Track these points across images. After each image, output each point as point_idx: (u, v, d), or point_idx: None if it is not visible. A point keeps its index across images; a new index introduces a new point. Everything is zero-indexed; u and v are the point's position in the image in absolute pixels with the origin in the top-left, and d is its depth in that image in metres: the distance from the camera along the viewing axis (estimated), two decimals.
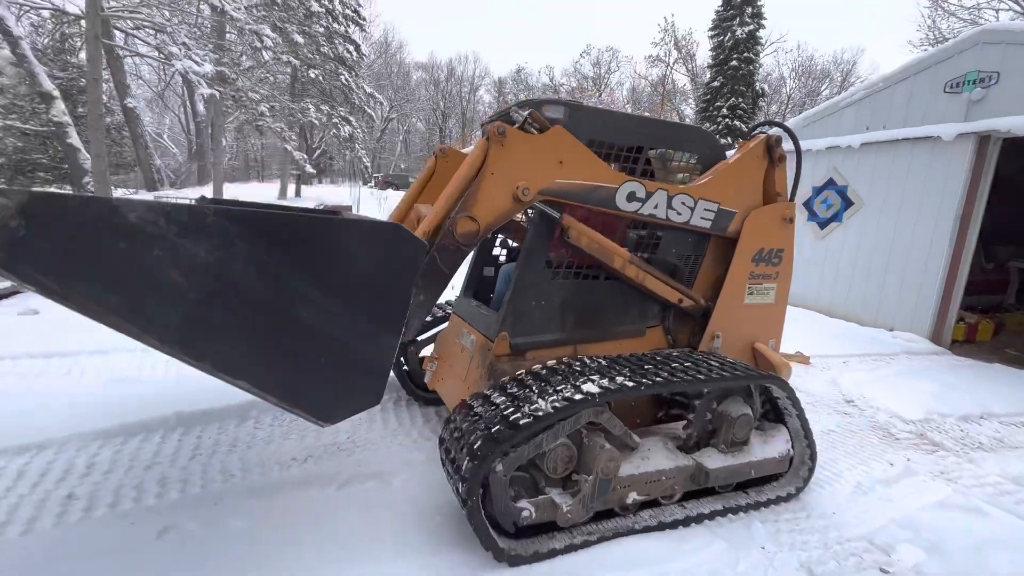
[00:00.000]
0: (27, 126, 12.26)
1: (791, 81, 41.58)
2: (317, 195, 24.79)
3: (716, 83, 23.98)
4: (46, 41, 21.61)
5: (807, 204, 8.00)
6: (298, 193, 25.80)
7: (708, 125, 24.78)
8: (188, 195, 12.30)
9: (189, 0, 14.07)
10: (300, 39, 13.47)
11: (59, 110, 17.18)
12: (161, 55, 11.56)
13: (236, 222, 1.28)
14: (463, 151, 3.25)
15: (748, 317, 3.14)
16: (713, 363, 2.57)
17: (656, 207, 2.71)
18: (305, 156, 19.87)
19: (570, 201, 2.52)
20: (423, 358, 3.56)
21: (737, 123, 23.37)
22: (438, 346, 3.40)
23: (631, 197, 2.64)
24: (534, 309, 2.65)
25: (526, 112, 2.44)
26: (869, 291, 7.09)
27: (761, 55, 25.55)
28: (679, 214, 2.79)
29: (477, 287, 3.53)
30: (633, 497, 2.34)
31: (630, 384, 2.21)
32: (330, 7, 21.43)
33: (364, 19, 23.96)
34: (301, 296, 1.39)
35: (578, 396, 2.11)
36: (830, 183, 7.68)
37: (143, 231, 1.18)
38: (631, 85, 51.97)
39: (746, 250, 3.02)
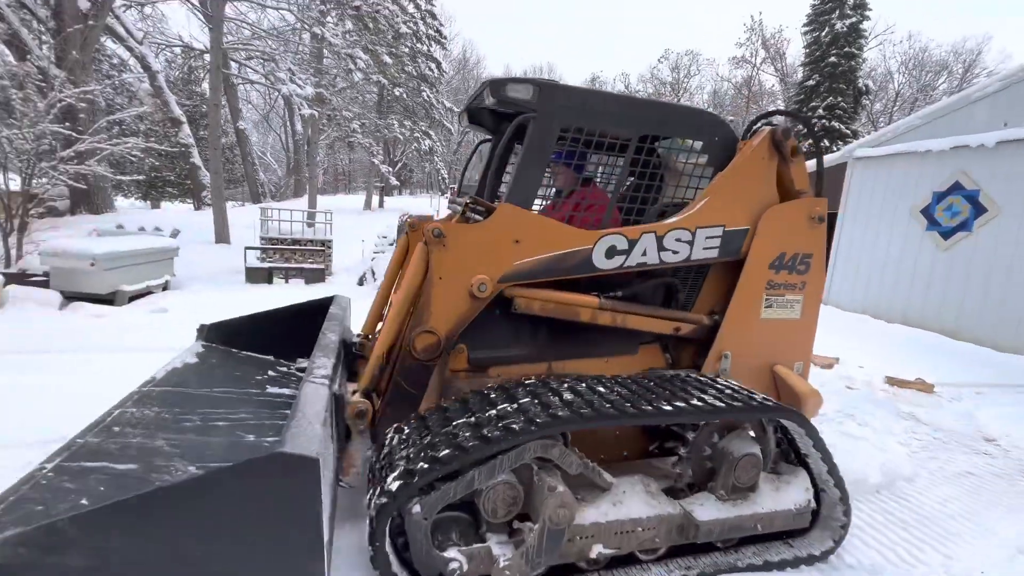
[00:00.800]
0: (161, 147, 14.09)
1: (900, 76, 37.65)
2: (400, 205, 26.12)
3: (811, 82, 22.26)
4: (176, 74, 24.81)
5: (926, 211, 7.13)
6: (381, 204, 27.33)
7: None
8: (287, 206, 13.55)
9: (293, 30, 15.57)
10: (388, 60, 14.40)
11: (185, 133, 19.59)
12: (268, 80, 12.76)
13: (85, 527, 1.09)
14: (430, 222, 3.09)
15: (766, 334, 2.67)
16: (706, 390, 2.15)
17: (645, 254, 2.39)
18: (389, 169, 20.97)
19: (538, 279, 2.30)
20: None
21: (836, 124, 21.50)
22: None
23: (611, 252, 2.35)
24: (498, 318, 2.36)
25: (463, 200, 2.28)
26: (1007, 311, 6.15)
27: (864, 49, 23.38)
28: (675, 253, 2.43)
29: None
30: (599, 551, 1.92)
31: (584, 412, 1.82)
32: (415, 28, 22.61)
33: (445, 37, 25.04)
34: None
35: (517, 425, 1.75)
36: (956, 187, 6.79)
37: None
38: (712, 88, 49.78)
39: (761, 255, 2.57)
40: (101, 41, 16.44)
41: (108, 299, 6.55)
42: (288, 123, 32.34)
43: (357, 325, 3.14)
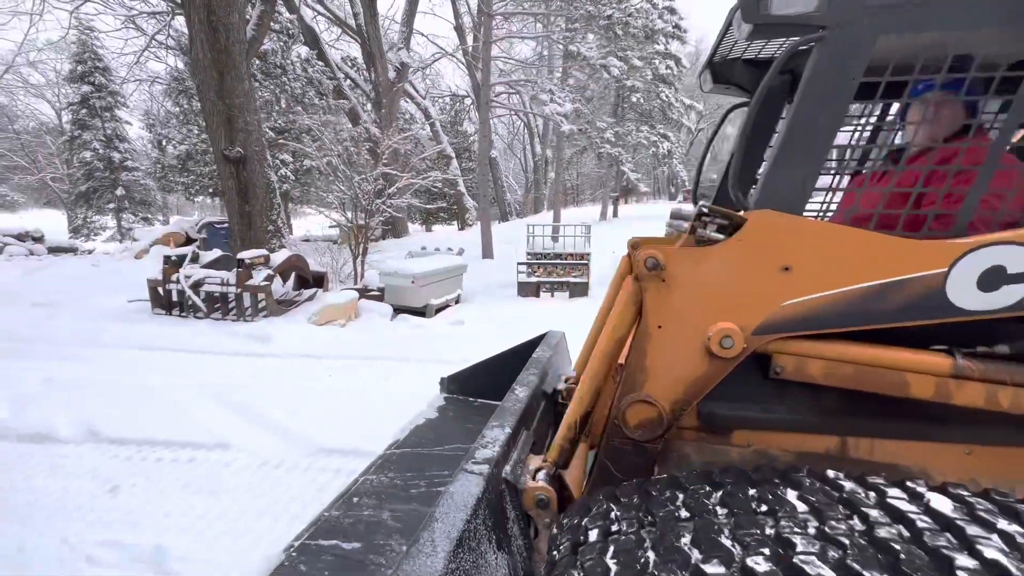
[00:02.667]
0: (447, 177, 16.83)
1: None
2: (634, 213, 25.46)
3: None
4: (445, 118, 29.79)
5: None
6: (616, 214, 27.16)
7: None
8: (530, 221, 14.60)
9: (540, 57, 16.68)
10: (639, 63, 14.03)
11: (454, 167, 23.13)
12: (528, 107, 13.68)
13: None
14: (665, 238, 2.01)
15: None
16: None
17: None
18: (638, 175, 20.49)
19: (829, 329, 1.42)
20: None
21: None
22: None
23: (995, 279, 1.33)
24: (752, 363, 1.53)
25: (691, 211, 1.48)
26: None
27: None
28: None
29: None
30: None
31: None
32: (652, 26, 21.76)
33: (685, 31, 23.42)
34: None
35: None
36: None
37: None
38: None
39: None
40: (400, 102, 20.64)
41: (421, 311, 7.62)
42: (529, 146, 35.28)
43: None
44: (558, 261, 9.76)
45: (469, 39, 21.33)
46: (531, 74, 13.57)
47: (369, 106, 19.93)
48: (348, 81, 20.32)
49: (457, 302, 8.79)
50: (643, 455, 1.64)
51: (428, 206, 14.19)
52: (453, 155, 23.57)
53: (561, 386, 2.81)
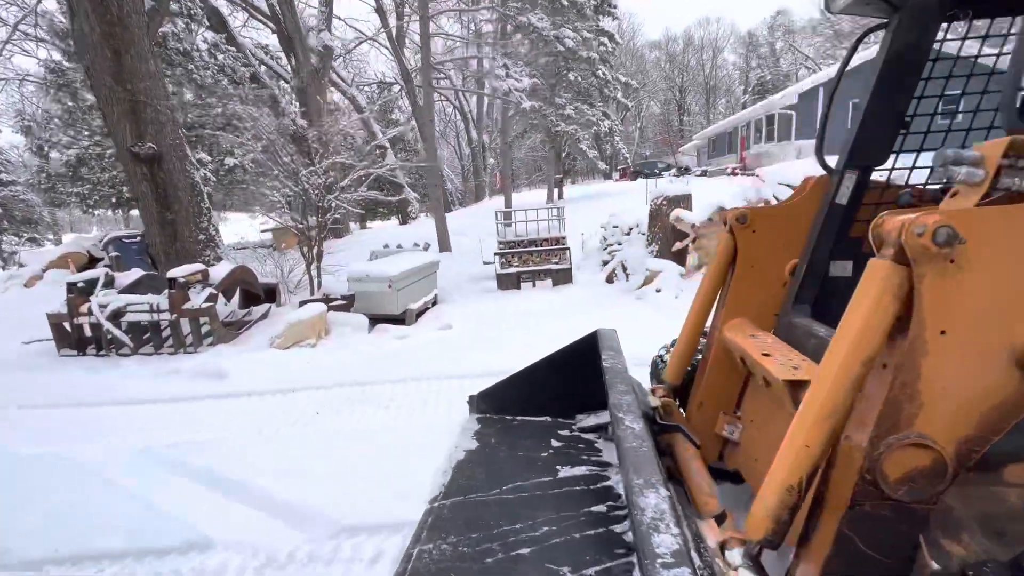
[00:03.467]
0: (393, 166, 15.50)
1: None
2: (578, 194, 25.23)
3: None
4: (376, 106, 27.98)
5: None
6: (560, 195, 26.84)
7: None
8: (485, 208, 13.77)
9: (477, 35, 15.72)
10: (589, 34, 13.49)
11: (391, 158, 21.68)
12: (479, 85, 12.73)
13: None
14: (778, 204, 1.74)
15: None
16: None
17: None
18: (597, 153, 20.08)
19: None
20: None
21: None
22: (748, 395, 2.20)
23: None
24: None
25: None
26: None
27: None
28: None
29: (819, 294, 2.10)
30: None
31: None
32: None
33: (615, 7, 23.21)
34: None
35: None
36: None
37: None
38: None
39: None
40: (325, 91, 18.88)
41: (401, 319, 6.67)
42: (466, 131, 34.12)
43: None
44: (534, 248, 9.09)
45: (392, 19, 19.87)
46: (478, 50, 12.62)
47: (292, 96, 18.08)
48: (264, 68, 18.28)
49: (434, 304, 7.89)
50: (909, 520, 1.13)
51: (387, 197, 12.81)
52: (388, 145, 22.09)
53: (655, 402, 2.24)
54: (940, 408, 1.09)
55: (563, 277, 8.72)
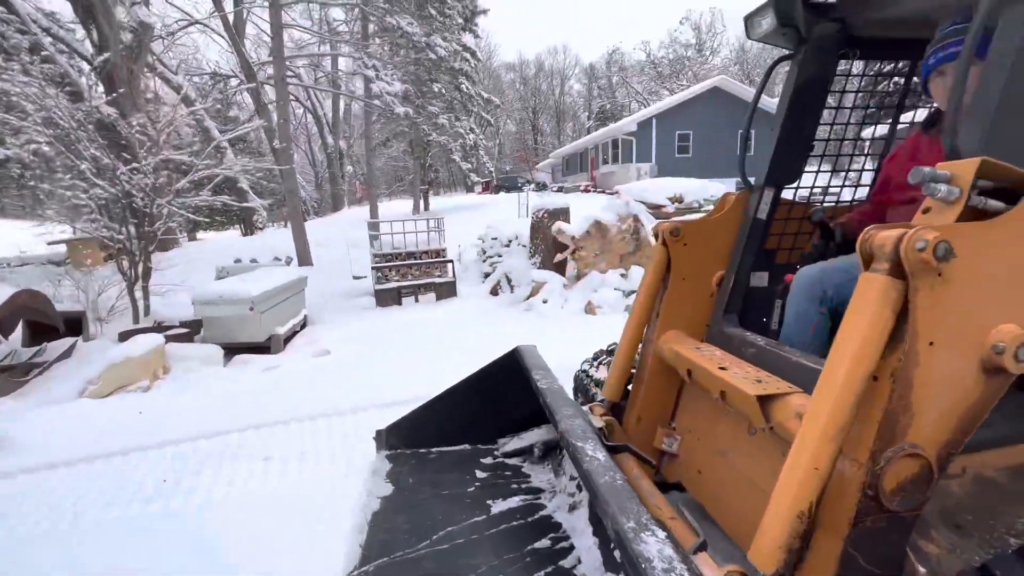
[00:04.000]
0: (221, 170, 13.37)
1: None
2: (444, 206, 25.09)
3: None
4: (210, 102, 24.30)
5: None
6: (427, 206, 26.40)
7: (878, 64, 21.02)
8: (346, 217, 12.69)
9: (342, 27, 14.52)
10: (458, 46, 13.34)
11: (230, 159, 18.98)
12: (336, 85, 11.73)
13: None
14: (704, 218, 2.07)
15: None
16: None
17: None
18: (469, 165, 19.86)
19: None
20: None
21: None
22: (684, 407, 2.22)
23: None
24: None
25: (946, 171, 1.11)
26: None
27: None
28: None
29: (743, 303, 2.22)
30: None
31: None
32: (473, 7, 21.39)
33: (476, 24, 23.72)
34: None
35: None
36: None
37: None
38: (738, 44, 47.49)
39: None
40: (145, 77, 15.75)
41: (266, 346, 5.64)
42: (320, 136, 31.63)
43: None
44: (414, 261, 8.59)
45: (228, 3, 17.54)
46: (332, 48, 11.60)
47: (94, 77, 14.64)
48: (50, 41, 14.51)
49: (304, 326, 6.89)
50: (900, 530, 1.17)
51: (235, 202, 10.69)
52: (228, 145, 19.28)
53: (598, 423, 2.16)
54: (927, 417, 1.13)
55: (447, 290, 8.37)
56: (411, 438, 2.45)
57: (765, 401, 1.57)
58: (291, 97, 23.29)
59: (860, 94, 2.39)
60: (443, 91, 21.48)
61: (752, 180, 2.35)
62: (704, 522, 1.75)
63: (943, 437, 1.15)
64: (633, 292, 7.05)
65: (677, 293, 2.33)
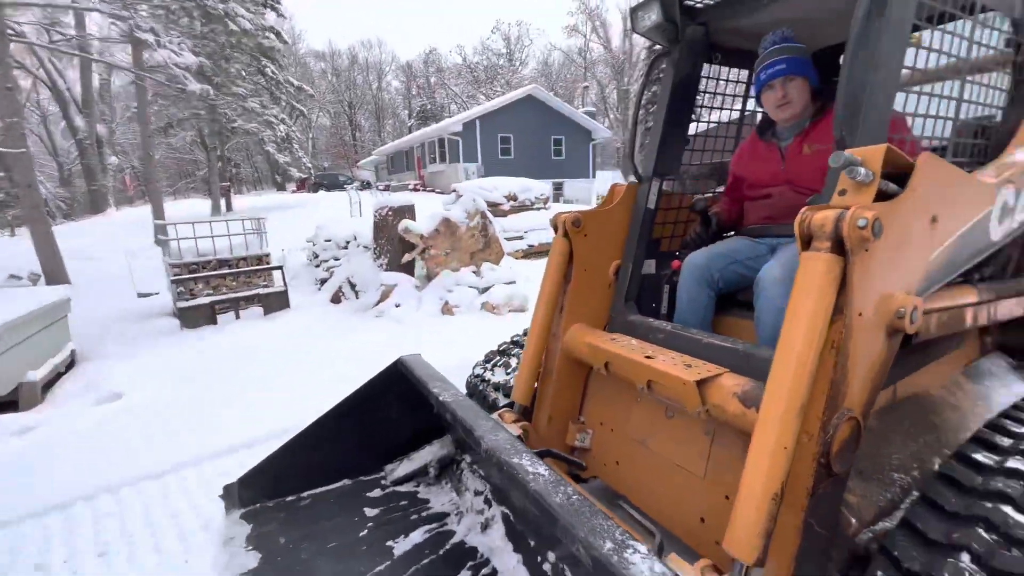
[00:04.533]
0: None
1: None
2: (249, 205, 21.81)
3: (658, 47, 24.37)
4: None
5: None
6: (229, 207, 22.60)
7: (656, 89, 25.06)
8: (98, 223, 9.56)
9: None
10: (250, 25, 11.35)
11: None
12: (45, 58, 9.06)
13: None
14: (599, 209, 2.22)
15: None
16: None
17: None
18: (287, 160, 17.22)
19: (942, 283, 1.44)
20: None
21: None
22: (591, 399, 2.23)
23: (1005, 212, 1.58)
24: None
25: (856, 155, 1.21)
26: None
27: None
28: None
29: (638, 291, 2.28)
30: None
31: None
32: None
33: (280, 2, 21.03)
34: None
35: None
36: None
37: None
38: (542, 57, 52.10)
39: None
40: None
41: (12, 400, 3.93)
42: (65, 117, 24.46)
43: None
44: (229, 271, 7.13)
45: None
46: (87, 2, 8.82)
47: None
48: None
49: (72, 365, 5.08)
50: (839, 489, 1.26)
51: None
52: None
53: (515, 431, 2.08)
54: (857, 382, 1.23)
55: (277, 302, 7.15)
56: (274, 486, 2.03)
57: (700, 385, 1.56)
58: (12, 63, 17.26)
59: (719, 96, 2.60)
60: (243, 73, 18.62)
61: (630, 175, 2.41)
62: (621, 511, 1.70)
63: (865, 398, 1.25)
64: (488, 289, 7.00)
65: (580, 284, 2.26)
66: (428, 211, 7.80)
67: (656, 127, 2.36)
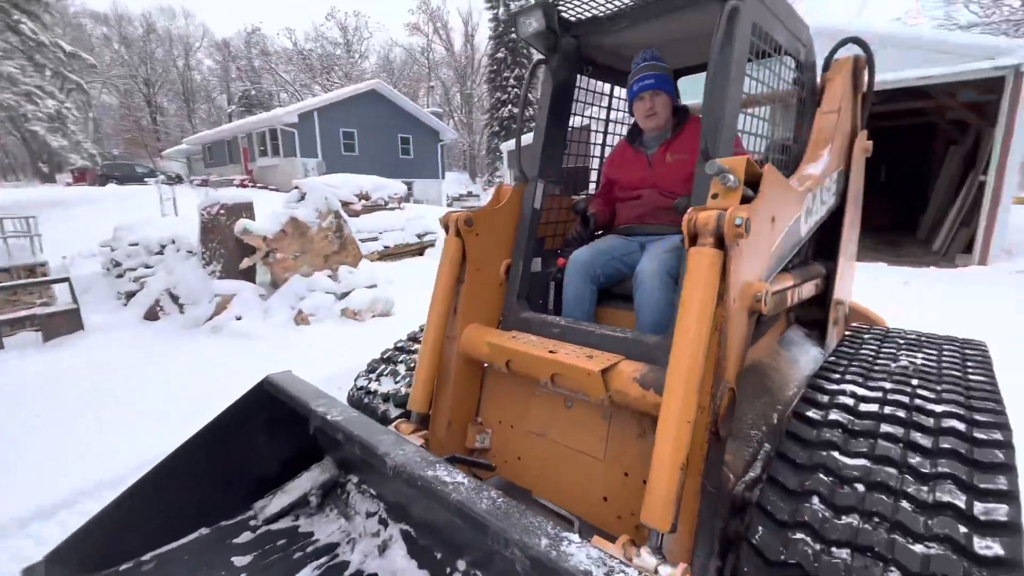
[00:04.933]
0: None
1: None
2: (14, 200, 16.83)
3: (500, 54, 25.46)
4: None
5: None
6: None
7: (499, 95, 26.24)
8: None
9: None
10: None
11: None
12: None
13: None
14: (488, 208, 2.29)
15: (850, 270, 2.66)
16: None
17: (815, 212, 2.08)
18: (79, 139, 13.24)
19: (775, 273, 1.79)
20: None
21: (530, 95, 25.69)
22: (488, 398, 2.25)
23: (809, 213, 1.99)
24: None
25: (720, 166, 1.41)
26: None
27: None
28: (824, 204, 2.19)
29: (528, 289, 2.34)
30: None
31: None
32: None
33: None
34: None
35: None
36: None
37: None
38: (384, 54, 50.38)
39: (855, 195, 2.45)
40: None
41: None
42: None
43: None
44: None
45: None
46: None
47: None
48: None
49: None
50: (720, 452, 1.47)
51: None
52: None
53: (417, 442, 2.11)
54: (733, 358, 1.47)
55: (66, 323, 5.60)
56: (103, 554, 1.63)
57: (604, 373, 1.68)
58: None
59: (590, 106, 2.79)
60: None
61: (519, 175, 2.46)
62: (535, 504, 1.74)
63: (736, 370, 1.48)
64: (347, 294, 6.49)
65: (474, 284, 2.24)
66: (268, 210, 6.93)
67: (539, 131, 2.44)
